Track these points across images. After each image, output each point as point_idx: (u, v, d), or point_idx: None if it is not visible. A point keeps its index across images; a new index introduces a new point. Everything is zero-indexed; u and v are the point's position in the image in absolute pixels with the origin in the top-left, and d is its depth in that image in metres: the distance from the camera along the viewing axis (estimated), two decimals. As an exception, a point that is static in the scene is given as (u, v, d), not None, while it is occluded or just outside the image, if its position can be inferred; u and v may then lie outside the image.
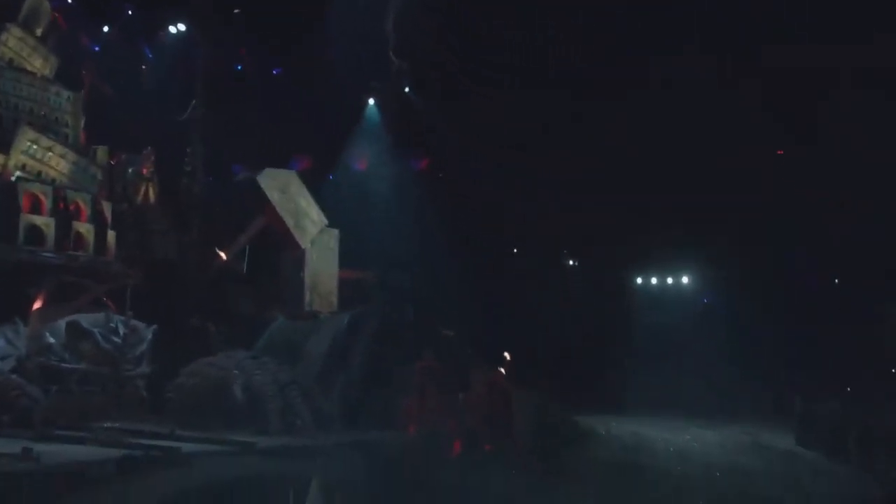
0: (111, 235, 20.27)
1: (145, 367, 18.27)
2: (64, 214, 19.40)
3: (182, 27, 26.02)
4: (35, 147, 19.99)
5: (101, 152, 21.98)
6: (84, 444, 13.94)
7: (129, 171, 22.72)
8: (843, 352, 24.20)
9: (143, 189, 22.59)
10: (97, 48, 25.87)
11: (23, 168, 19.71)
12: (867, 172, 24.10)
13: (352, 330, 19.41)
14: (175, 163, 24.20)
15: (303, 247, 23.14)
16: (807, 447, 20.32)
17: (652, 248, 30.29)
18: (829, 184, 25.19)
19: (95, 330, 17.79)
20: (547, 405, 21.33)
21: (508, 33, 27.20)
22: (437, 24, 27.68)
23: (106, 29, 26.35)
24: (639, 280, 33.41)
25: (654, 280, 33.30)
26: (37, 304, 18.47)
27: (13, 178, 19.34)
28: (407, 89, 29.74)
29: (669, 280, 32.92)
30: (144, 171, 22.66)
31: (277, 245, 23.63)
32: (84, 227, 19.69)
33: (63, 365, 17.18)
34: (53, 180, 20.10)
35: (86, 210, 19.91)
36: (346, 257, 24.17)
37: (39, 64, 21.36)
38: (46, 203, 19.20)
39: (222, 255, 22.90)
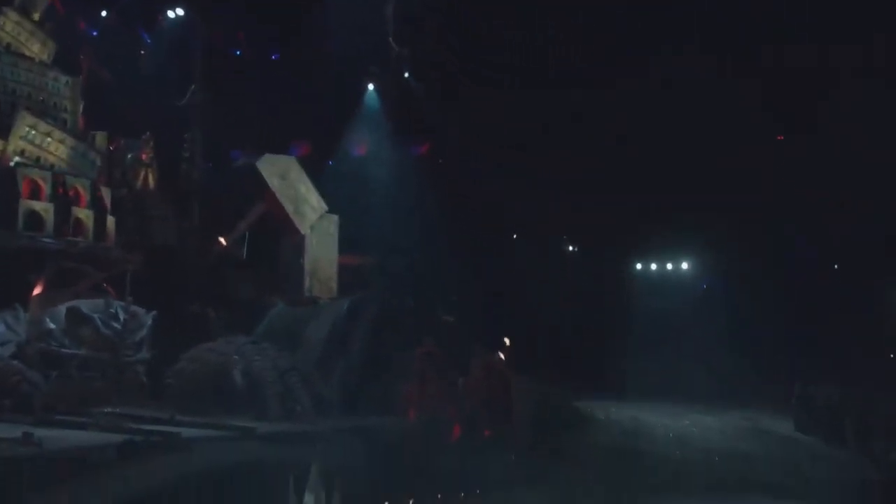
0: (111, 221, 20.23)
1: (145, 353, 18.28)
2: (63, 200, 19.34)
3: (180, 12, 25.87)
4: (34, 132, 19.92)
5: (100, 138, 21.91)
6: (85, 430, 13.97)
7: (129, 156, 22.66)
8: (841, 337, 24.25)
9: (142, 175, 22.54)
10: (95, 33, 25.73)
11: (21, 153, 19.64)
12: (867, 159, 24.10)
13: (351, 316, 19.41)
14: (174, 148, 24.14)
15: (302, 233, 23.13)
16: (805, 432, 20.44)
17: (652, 234, 30.33)
18: (829, 170, 25.20)
19: (95, 315, 17.79)
20: (547, 391, 21.40)
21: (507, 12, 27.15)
22: (437, 6, 27.61)
23: (104, 13, 26.20)
24: (638, 266, 33.46)
25: (653, 266, 33.35)
26: (36, 290, 18.46)
27: (12, 164, 19.29)
28: (406, 74, 29.65)
29: (669, 266, 32.96)
30: (144, 156, 22.60)
31: (277, 231, 23.62)
32: (83, 213, 19.65)
33: (63, 350, 17.19)
34: (52, 166, 20.05)
35: (85, 196, 19.86)
36: (346, 243, 24.18)
37: (37, 48, 21.25)
38: (45, 188, 19.14)
39: (222, 240, 22.89)
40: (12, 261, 17.95)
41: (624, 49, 26.90)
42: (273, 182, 22.72)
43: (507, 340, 21.09)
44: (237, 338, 18.21)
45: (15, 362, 16.29)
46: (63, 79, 21.29)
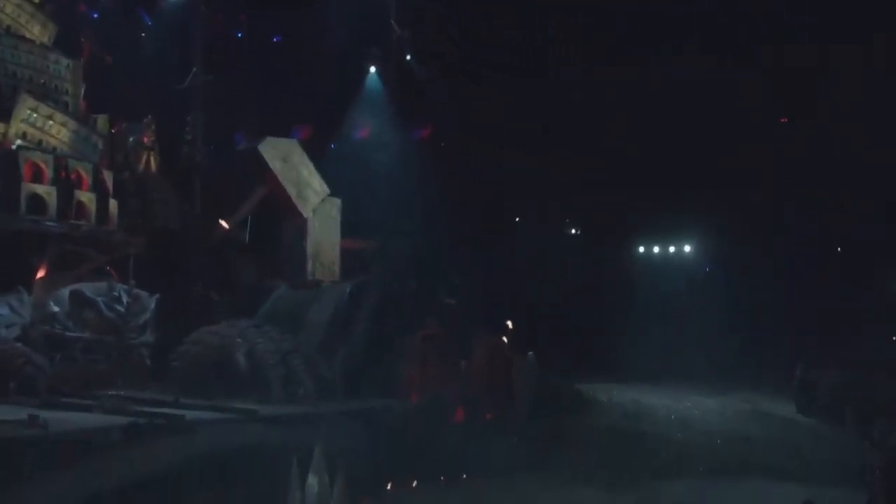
0: (113, 204, 20.23)
1: (148, 336, 18.35)
2: (65, 183, 19.34)
3: (181, -6, 25.73)
4: (35, 115, 19.88)
5: (102, 121, 21.87)
6: (90, 412, 14.06)
7: (130, 139, 22.61)
8: (843, 320, 24.28)
9: (144, 158, 22.50)
10: (96, 15, 25.60)
11: (23, 136, 19.62)
12: (870, 142, 24.06)
13: (354, 299, 19.44)
14: (176, 131, 24.09)
15: (305, 216, 23.10)
16: (806, 415, 20.52)
17: (654, 217, 30.31)
18: (831, 154, 25.16)
19: (99, 299, 17.85)
20: (548, 373, 21.46)
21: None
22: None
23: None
24: (641, 249, 33.45)
25: (656, 249, 33.34)
26: (39, 273, 18.50)
27: (14, 147, 19.27)
28: (408, 57, 29.53)
29: (671, 249, 32.95)
30: (145, 139, 22.55)
31: (279, 214, 23.58)
32: (86, 196, 19.66)
33: (67, 333, 17.28)
34: (54, 149, 20.02)
35: (87, 179, 19.85)
36: (349, 226, 24.14)
37: (38, 31, 21.16)
38: (48, 172, 19.13)
39: (224, 224, 22.88)
40: (15, 244, 17.99)
41: (627, 38, 26.81)
42: (275, 165, 22.66)
43: (509, 323, 21.14)
44: (240, 321, 18.27)
45: (20, 345, 16.38)
46: (64, 61, 21.22)
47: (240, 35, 28.90)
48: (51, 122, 20.17)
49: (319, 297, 20.14)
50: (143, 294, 18.59)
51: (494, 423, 17.46)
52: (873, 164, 23.96)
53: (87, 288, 18.04)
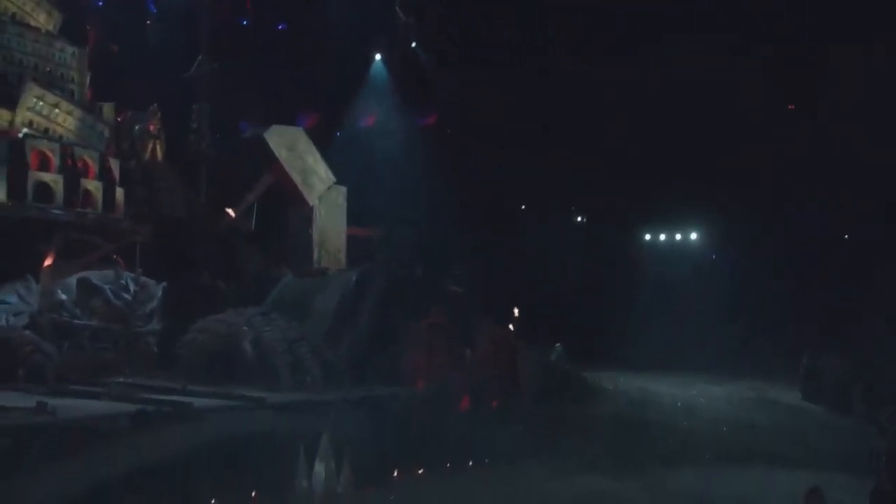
0: (119, 193, 20.26)
1: (156, 324, 18.42)
2: (72, 171, 19.36)
3: (186, -19, 25.65)
4: (41, 103, 19.89)
5: (108, 109, 21.87)
6: (98, 399, 14.13)
7: (136, 128, 22.60)
8: (850, 308, 24.23)
9: (150, 146, 22.49)
10: (101, 2, 25.57)
11: (30, 125, 19.63)
12: (879, 128, 23.91)
13: (360, 287, 19.48)
14: (181, 120, 24.07)
15: (311, 204, 23.12)
16: (812, 402, 20.51)
17: (660, 204, 30.24)
18: (838, 140, 25.02)
19: (106, 287, 17.91)
20: (554, 361, 21.48)
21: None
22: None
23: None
24: (647, 236, 33.40)
25: (662, 236, 33.29)
26: (47, 261, 18.56)
27: (20, 135, 19.30)
28: (414, 44, 29.43)
29: (678, 236, 32.90)
30: (151, 127, 22.54)
31: (285, 202, 23.61)
32: (92, 185, 19.68)
33: (75, 321, 17.35)
34: (61, 137, 20.03)
35: (94, 167, 19.86)
36: (354, 214, 24.16)
37: (43, 19, 21.14)
38: (54, 160, 19.16)
39: (230, 212, 22.91)
40: (22, 232, 18.04)
41: (640, 21, 26.66)
42: (281, 153, 22.67)
43: (515, 311, 21.15)
44: (246, 309, 18.33)
45: (28, 333, 16.47)
46: (70, 49, 21.20)
47: (245, 23, 28.83)
48: (57, 111, 20.17)
49: (325, 286, 20.19)
50: (150, 282, 18.64)
51: (500, 410, 17.48)
52: (882, 151, 23.81)
53: (95, 276, 18.10)
